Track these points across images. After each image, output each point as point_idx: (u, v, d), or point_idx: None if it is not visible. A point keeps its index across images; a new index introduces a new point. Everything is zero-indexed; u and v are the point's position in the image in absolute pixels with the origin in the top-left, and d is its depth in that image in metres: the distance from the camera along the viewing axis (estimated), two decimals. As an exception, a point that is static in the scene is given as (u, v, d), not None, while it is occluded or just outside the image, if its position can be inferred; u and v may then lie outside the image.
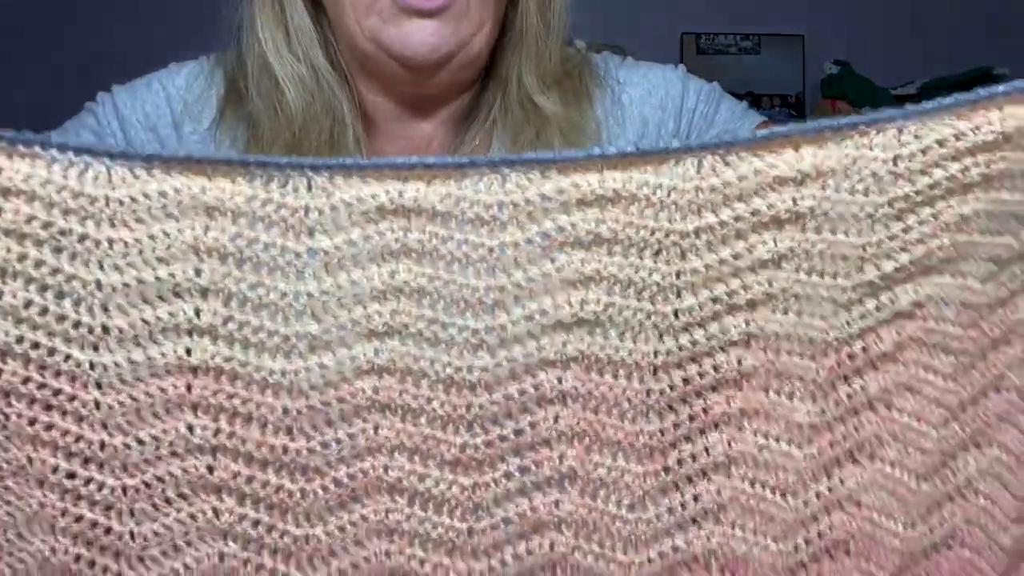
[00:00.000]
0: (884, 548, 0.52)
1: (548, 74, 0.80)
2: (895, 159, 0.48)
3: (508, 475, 0.50)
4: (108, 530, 0.48)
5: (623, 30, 2.34)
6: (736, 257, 0.49)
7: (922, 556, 0.53)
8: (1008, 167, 0.48)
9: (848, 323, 0.50)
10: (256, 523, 0.49)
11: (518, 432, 0.49)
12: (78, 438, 0.47)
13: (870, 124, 0.48)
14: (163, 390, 0.47)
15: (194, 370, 0.47)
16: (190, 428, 0.48)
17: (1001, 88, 0.47)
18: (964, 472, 0.52)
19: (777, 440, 0.51)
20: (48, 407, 0.47)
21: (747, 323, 0.49)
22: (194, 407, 0.48)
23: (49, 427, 0.47)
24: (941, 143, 0.48)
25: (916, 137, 0.48)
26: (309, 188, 0.46)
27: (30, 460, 0.47)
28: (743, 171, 0.48)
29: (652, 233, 0.48)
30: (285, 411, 0.48)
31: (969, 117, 0.47)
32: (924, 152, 0.48)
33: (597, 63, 0.86)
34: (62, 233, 0.46)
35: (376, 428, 0.48)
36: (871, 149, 0.48)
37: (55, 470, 0.47)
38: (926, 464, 0.52)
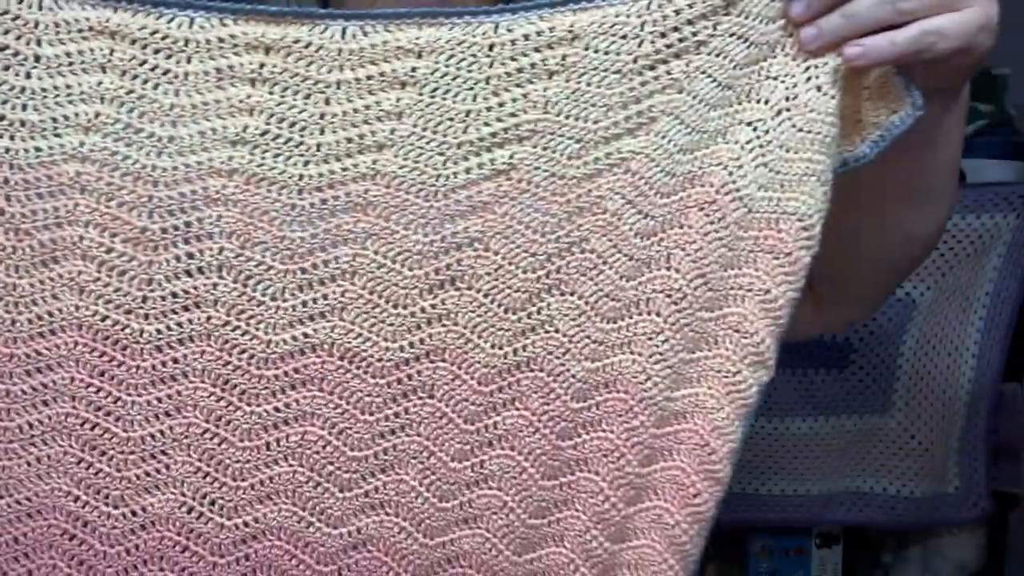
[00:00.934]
0: (473, 361, 0.65)
1: None
2: (491, 46, 0.62)
3: (177, 257, 0.63)
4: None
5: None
6: (367, 108, 0.62)
7: (506, 373, 0.66)
8: (579, 62, 0.62)
9: (455, 175, 0.63)
10: None
11: (187, 224, 0.63)
12: None
13: (475, 15, 0.62)
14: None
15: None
16: (76, 204, 0.62)
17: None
18: (546, 312, 0.65)
19: (392, 261, 0.64)
20: None
21: (374, 162, 0.63)
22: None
23: None
24: (526, 37, 0.62)
25: (508, 31, 0.62)
26: (40, 5, 0.61)
27: None
28: (375, 40, 0.62)
29: (303, 80, 0.62)
30: (5, 181, 0.62)
31: (549, 20, 0.62)
32: (514, 43, 0.62)
33: None
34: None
35: (76, 204, 0.62)
36: (474, 36, 0.62)
37: None
38: (513, 299, 0.65)
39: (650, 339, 0.67)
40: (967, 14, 0.63)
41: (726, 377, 0.67)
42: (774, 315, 0.66)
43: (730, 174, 0.65)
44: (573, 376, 0.66)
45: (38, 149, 0.62)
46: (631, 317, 0.67)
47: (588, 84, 0.63)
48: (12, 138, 0.62)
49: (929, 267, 1.47)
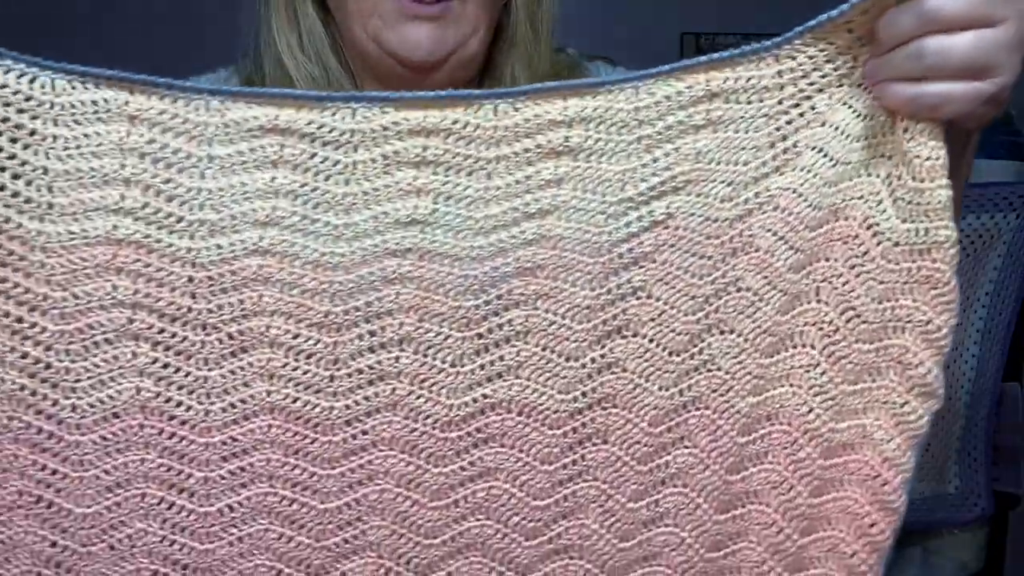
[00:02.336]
0: (643, 404, 0.69)
1: (538, 74, 0.91)
2: (635, 109, 0.66)
3: (360, 336, 0.66)
4: (48, 365, 0.64)
5: (623, 30, 2.49)
6: (528, 178, 0.66)
7: (674, 413, 0.69)
8: (724, 115, 0.66)
9: (616, 230, 0.67)
10: (165, 365, 0.65)
11: (368, 304, 0.66)
12: (26, 290, 0.63)
13: (615, 83, 0.66)
14: (94, 256, 0.64)
15: (118, 242, 0.64)
16: (114, 287, 0.64)
17: (703, 59, 0.66)
18: (708, 351, 0.69)
19: (562, 317, 0.67)
20: (3, 264, 0.63)
21: (539, 227, 0.66)
22: (118, 271, 0.64)
23: (3, 280, 0.63)
24: (668, 97, 0.66)
25: (649, 94, 0.66)
26: (207, 108, 0.64)
27: None
28: (526, 115, 0.66)
29: (465, 159, 0.66)
30: (190, 279, 0.65)
31: (683, 79, 0.66)
32: (657, 104, 0.66)
33: (588, 68, 0.98)
34: (17, 127, 0.62)
35: (260, 296, 0.65)
36: (618, 103, 0.66)
37: (6, 315, 0.63)
38: (677, 342, 0.68)
39: (807, 372, 0.70)
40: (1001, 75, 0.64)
41: (893, 408, 0.69)
42: (938, 344, 0.69)
43: (871, 208, 0.68)
44: (737, 412, 0.70)
45: (219, 246, 0.65)
46: (787, 351, 0.70)
47: (736, 132, 0.67)
48: (192, 237, 0.65)
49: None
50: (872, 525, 0.72)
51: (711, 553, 0.72)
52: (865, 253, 0.68)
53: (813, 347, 0.70)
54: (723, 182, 0.67)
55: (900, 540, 1.60)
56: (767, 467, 0.71)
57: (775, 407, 0.70)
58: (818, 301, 0.69)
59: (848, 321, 0.69)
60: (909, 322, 0.68)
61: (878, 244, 0.68)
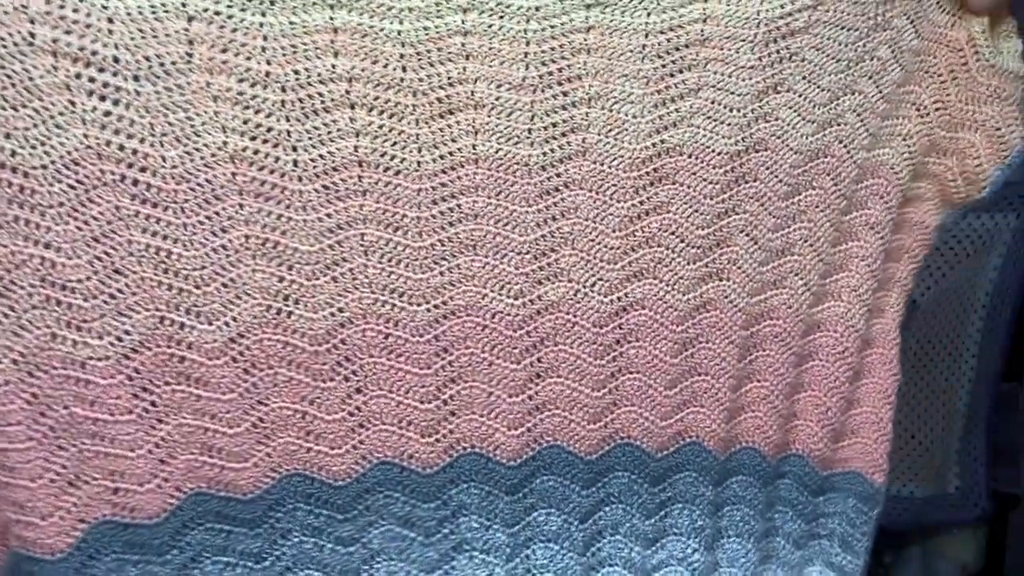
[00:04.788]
0: (789, 148, 0.82)
1: None
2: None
3: (555, 96, 0.75)
4: (269, 128, 0.70)
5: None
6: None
7: (815, 154, 0.84)
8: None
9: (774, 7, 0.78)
10: (381, 126, 0.73)
11: (560, 70, 0.75)
12: (248, 68, 0.69)
13: None
14: (314, 41, 0.70)
15: (335, 30, 0.70)
16: (333, 65, 0.70)
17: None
18: (842, 106, 0.83)
19: (728, 76, 0.78)
20: (226, 50, 0.68)
21: (704, 11, 0.76)
22: (336, 53, 0.70)
23: (226, 61, 0.68)
24: None
25: None
26: None
27: (209, 84, 0.68)
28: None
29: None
30: (401, 56, 0.72)
31: None
32: None
33: None
34: None
35: (464, 68, 0.74)
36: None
37: (228, 89, 0.69)
38: (821, 96, 0.81)
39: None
40: None
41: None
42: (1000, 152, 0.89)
43: (976, 32, 0.85)
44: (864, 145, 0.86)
45: (426, 28, 0.72)
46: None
47: None
48: (402, 22, 0.72)
49: (929, 267, 1.50)
50: None
51: (823, 280, 0.88)
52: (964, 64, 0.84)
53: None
54: None
55: (900, 540, 1.61)
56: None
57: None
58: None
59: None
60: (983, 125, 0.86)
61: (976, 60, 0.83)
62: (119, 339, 0.70)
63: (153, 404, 0.72)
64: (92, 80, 0.65)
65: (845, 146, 0.84)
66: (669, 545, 0.89)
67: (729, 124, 0.79)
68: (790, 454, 0.92)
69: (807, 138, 0.82)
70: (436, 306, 0.77)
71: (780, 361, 0.88)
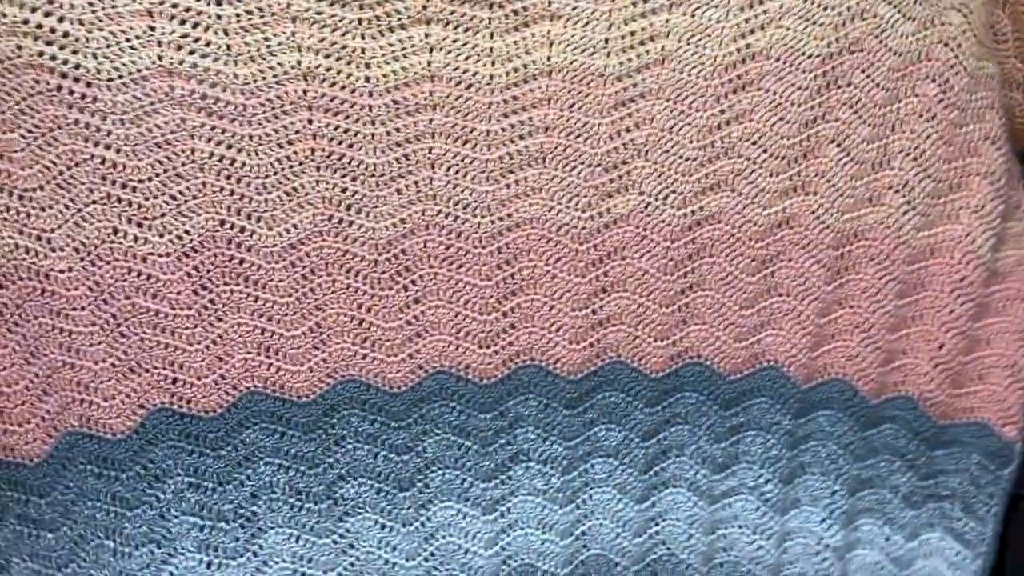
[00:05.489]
0: (889, 48, 0.77)
1: None
2: None
3: (634, 3, 0.72)
4: (344, 46, 0.68)
5: None
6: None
7: (919, 58, 0.78)
8: None
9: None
10: (455, 40, 0.71)
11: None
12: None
13: None
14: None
15: None
16: None
17: None
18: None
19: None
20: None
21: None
22: None
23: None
24: None
25: None
26: None
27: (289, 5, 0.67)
28: None
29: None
30: None
31: None
32: None
33: None
34: None
35: None
36: None
37: (319, 12, 0.67)
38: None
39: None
40: None
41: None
42: None
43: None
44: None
45: None
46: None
47: None
48: None
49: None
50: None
51: (934, 200, 0.83)
52: None
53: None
54: None
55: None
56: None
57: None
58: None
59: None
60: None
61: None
62: (179, 238, 0.70)
63: (212, 302, 0.73)
64: (175, 5, 0.64)
65: (952, 49, 0.77)
66: (740, 472, 0.86)
67: (822, 24, 0.74)
68: (897, 396, 0.87)
69: (907, 38, 0.76)
70: (501, 218, 0.75)
71: (879, 288, 0.82)
